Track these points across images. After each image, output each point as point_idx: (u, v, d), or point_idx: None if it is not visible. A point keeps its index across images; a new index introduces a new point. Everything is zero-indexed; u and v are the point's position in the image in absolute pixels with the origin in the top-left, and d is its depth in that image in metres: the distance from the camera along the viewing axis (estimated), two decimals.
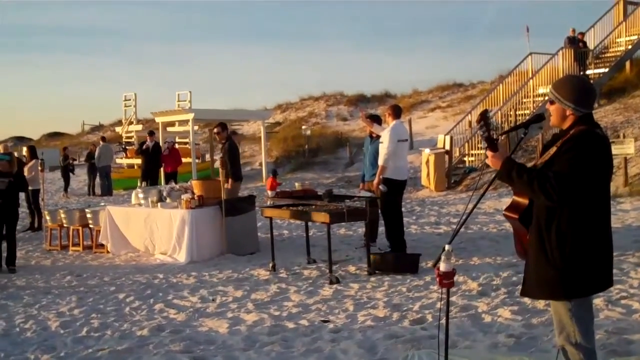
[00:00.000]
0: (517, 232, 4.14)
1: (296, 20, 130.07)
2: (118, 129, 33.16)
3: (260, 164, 27.59)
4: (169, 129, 27.82)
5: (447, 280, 4.09)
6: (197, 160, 25.47)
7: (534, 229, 3.93)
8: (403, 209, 10.79)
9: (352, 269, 9.47)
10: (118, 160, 29.75)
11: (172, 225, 11.10)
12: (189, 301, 8.23)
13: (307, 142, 29.44)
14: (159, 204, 11.57)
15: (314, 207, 9.37)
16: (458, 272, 5.71)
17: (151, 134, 22.36)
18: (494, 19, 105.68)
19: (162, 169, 21.20)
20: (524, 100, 22.89)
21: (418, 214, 15.25)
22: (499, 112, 21.92)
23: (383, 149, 9.97)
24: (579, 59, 23.79)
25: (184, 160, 22.98)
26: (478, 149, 20.98)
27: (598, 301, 6.67)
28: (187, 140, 27.62)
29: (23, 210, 14.39)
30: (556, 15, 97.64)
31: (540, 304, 6.69)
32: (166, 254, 11.16)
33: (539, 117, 4.27)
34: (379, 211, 9.78)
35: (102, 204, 15.15)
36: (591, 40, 25.13)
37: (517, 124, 6.19)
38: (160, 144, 22.30)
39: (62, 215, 13.06)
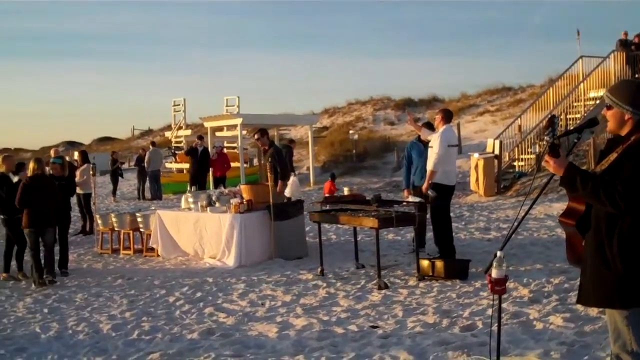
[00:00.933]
0: (572, 239, 4.06)
1: (343, 25, 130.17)
2: (167, 134, 33.52)
3: (308, 169, 27.68)
4: (218, 133, 28.06)
5: (499, 286, 4.05)
6: (245, 165, 25.65)
7: (592, 236, 3.85)
8: (452, 214, 10.71)
9: (400, 274, 9.43)
10: (167, 165, 30.08)
11: (221, 229, 11.17)
12: (238, 305, 8.27)
13: (354, 146, 29.43)
14: (208, 208, 11.65)
15: (362, 212, 9.35)
16: (509, 279, 5.65)
17: (200, 138, 22.58)
18: (543, 21, 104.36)
19: (210, 174, 21.38)
20: (575, 104, 22.50)
21: (467, 219, 15.12)
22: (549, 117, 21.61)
23: (433, 153, 9.91)
24: (631, 63, 23.35)
25: (232, 164, 23.13)
26: (528, 153, 20.73)
27: None
28: (235, 144, 27.85)
29: (75, 214, 14.64)
30: (608, 18, 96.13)
31: (594, 311, 6.57)
32: (215, 257, 11.25)
33: (592, 122, 4.18)
34: (427, 216, 9.73)
35: (152, 208, 15.32)
36: None
37: (569, 128, 6.10)
38: (209, 148, 22.49)
39: (114, 219, 13.23)
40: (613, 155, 3.79)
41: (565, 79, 23.67)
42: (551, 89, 23.38)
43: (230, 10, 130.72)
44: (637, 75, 22.63)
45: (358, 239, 10.66)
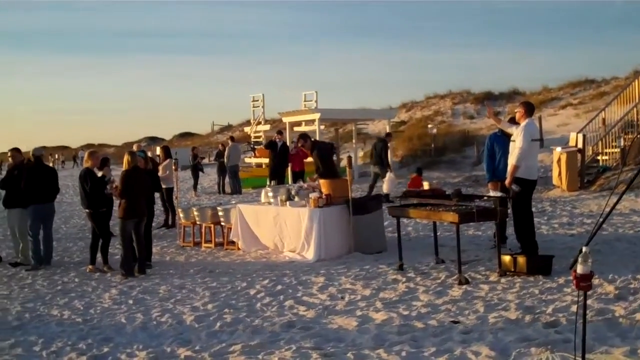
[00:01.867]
0: None
1: (422, 19, 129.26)
2: (246, 129, 34.01)
3: None
4: (296, 128, 28.27)
5: (584, 282, 3.98)
6: None
7: None
8: (533, 209, 10.52)
9: (481, 270, 9.32)
10: (247, 160, 30.44)
11: (300, 223, 11.26)
12: (318, 298, 8.33)
13: (433, 140, 29.21)
14: (287, 202, 11.76)
15: (442, 207, 9.28)
16: (594, 275, 5.52)
17: (280, 133, 22.77)
18: (626, 10, 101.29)
19: (289, 168, 21.54)
20: None
21: (549, 214, 14.83)
22: (634, 110, 20.99)
23: (515, 148, 9.74)
24: None
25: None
26: (612, 147, 20.19)
27: None
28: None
29: (158, 207, 14.98)
30: None
31: None
32: (295, 251, 11.35)
33: None
34: (509, 211, 9.58)
35: (233, 202, 15.52)
36: None
37: None
38: (288, 143, 22.65)
39: (195, 213, 13.48)
40: None
41: None
42: (636, 81, 22.63)
43: (308, 4, 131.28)
44: None
45: (437, 234, 10.58)
